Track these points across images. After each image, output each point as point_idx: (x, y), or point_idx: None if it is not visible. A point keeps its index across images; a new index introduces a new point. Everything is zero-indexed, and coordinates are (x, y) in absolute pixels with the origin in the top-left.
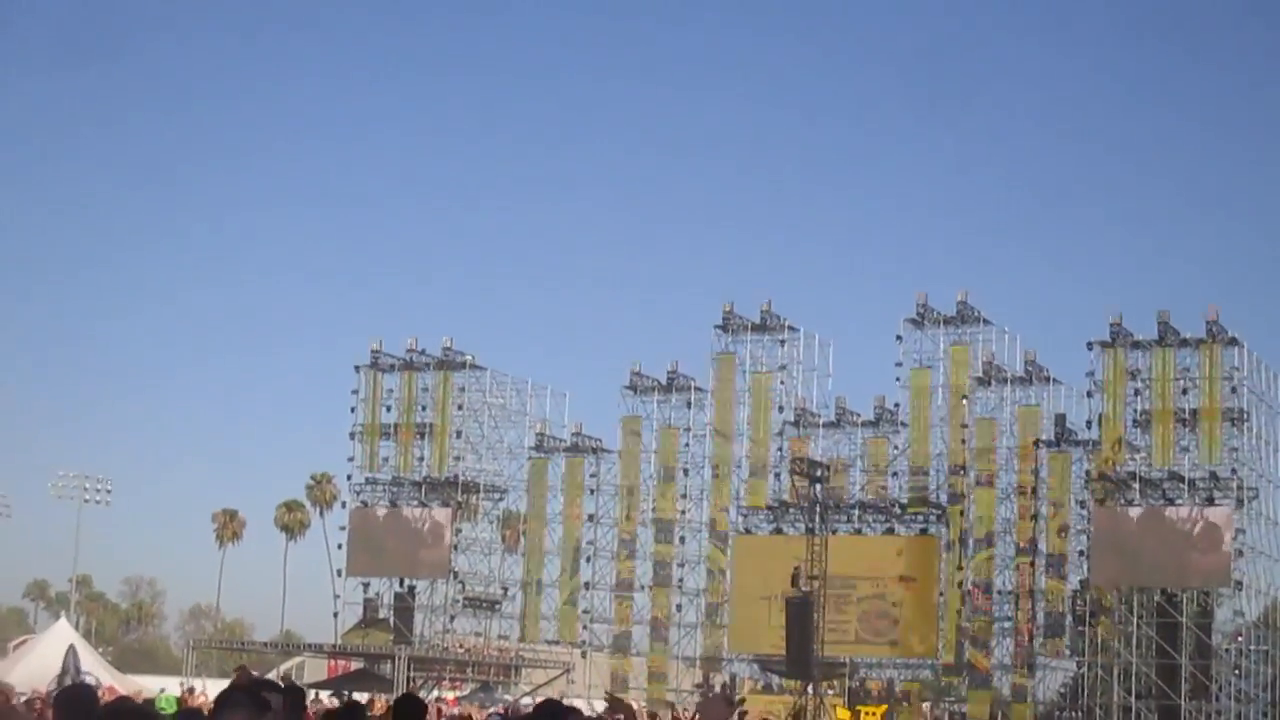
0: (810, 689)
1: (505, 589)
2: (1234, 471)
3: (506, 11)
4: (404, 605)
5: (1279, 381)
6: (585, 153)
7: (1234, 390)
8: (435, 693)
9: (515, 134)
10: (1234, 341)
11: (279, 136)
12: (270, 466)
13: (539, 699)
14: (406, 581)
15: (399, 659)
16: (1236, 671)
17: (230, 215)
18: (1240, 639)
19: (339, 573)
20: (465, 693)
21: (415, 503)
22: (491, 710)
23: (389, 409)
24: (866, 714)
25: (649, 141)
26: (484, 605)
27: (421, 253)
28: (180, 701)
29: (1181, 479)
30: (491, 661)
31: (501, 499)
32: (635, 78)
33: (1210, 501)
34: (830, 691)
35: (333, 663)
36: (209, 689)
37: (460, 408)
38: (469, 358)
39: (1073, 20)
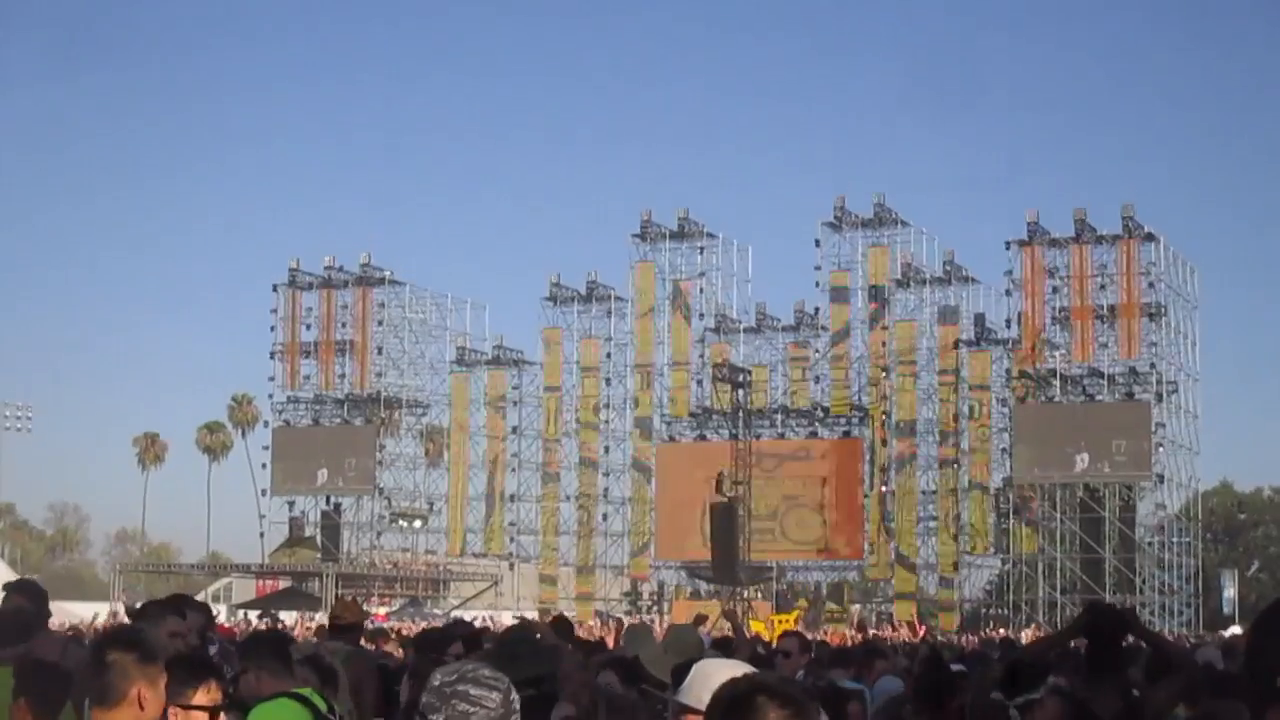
0: (737, 593)
1: (430, 504)
2: (1153, 366)
3: None
4: (330, 522)
5: (1196, 276)
6: (500, 65)
7: (1151, 285)
8: (365, 608)
9: (430, 49)
10: (1150, 237)
11: (193, 48)
12: (190, 388)
13: (483, 612)
14: (331, 499)
15: (327, 576)
16: (1160, 564)
17: (148, 128)
18: (1162, 532)
19: (264, 492)
20: (394, 608)
21: (338, 420)
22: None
23: (309, 327)
24: (780, 622)
25: (564, 56)
26: (410, 520)
27: (337, 169)
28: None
29: (1101, 375)
30: (419, 576)
31: (424, 414)
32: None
33: (1130, 396)
34: (759, 595)
35: (261, 582)
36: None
37: (380, 323)
38: (387, 273)
39: None
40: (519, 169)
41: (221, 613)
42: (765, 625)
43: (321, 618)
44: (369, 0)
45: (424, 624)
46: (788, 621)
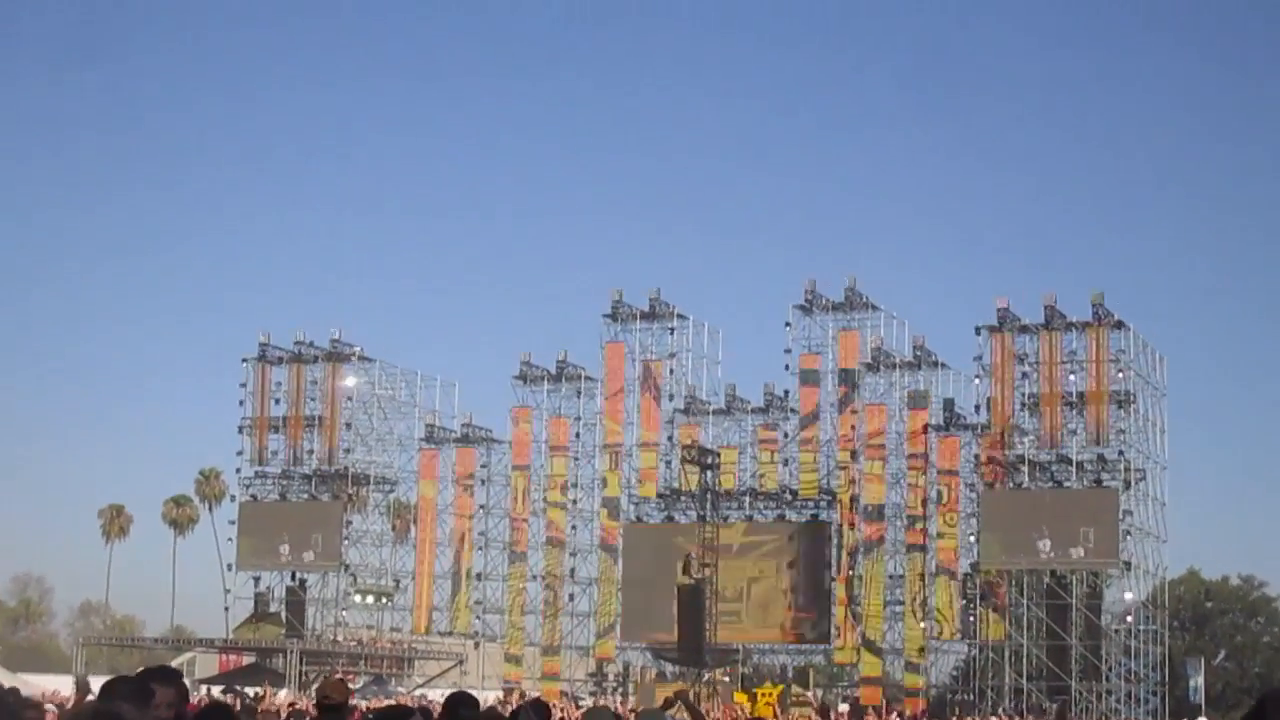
0: (704, 676)
1: (397, 581)
2: (1121, 453)
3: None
4: (295, 598)
5: (1164, 364)
6: (472, 143)
7: (1120, 373)
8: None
9: (402, 126)
10: (1120, 324)
11: (160, 124)
12: (157, 461)
13: (448, 690)
14: (297, 575)
15: (291, 652)
16: (1126, 651)
17: (117, 202)
18: (1129, 619)
19: (229, 567)
20: (359, 685)
21: (305, 495)
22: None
23: (278, 402)
24: (762, 695)
25: (536, 131)
26: (375, 597)
27: (309, 244)
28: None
29: (1069, 461)
30: (384, 654)
31: (392, 490)
32: (520, 72)
33: (1098, 483)
34: (727, 679)
35: (224, 657)
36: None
37: (349, 399)
38: (357, 349)
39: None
40: (491, 247)
41: None
42: (747, 696)
43: (285, 695)
44: (342, 77)
45: (388, 703)
46: (771, 695)
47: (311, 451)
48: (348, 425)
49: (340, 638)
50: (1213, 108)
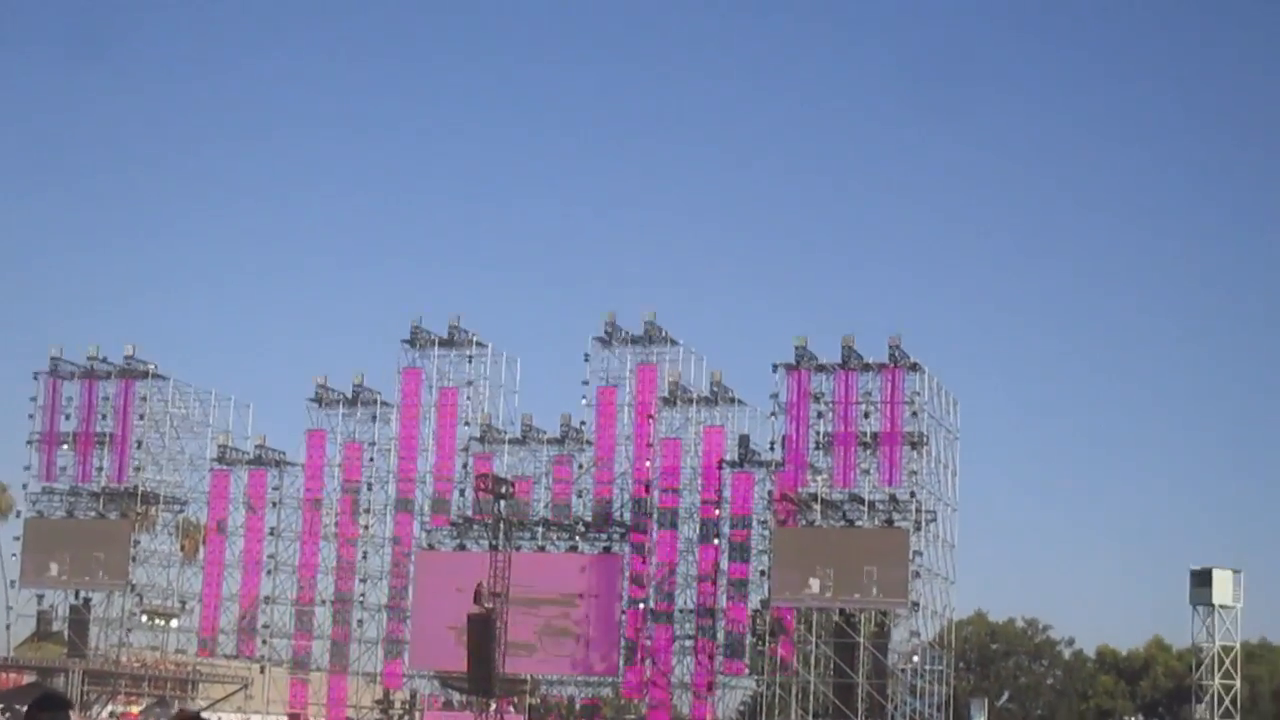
0: (492, 706)
1: (184, 602)
2: (913, 494)
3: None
4: (79, 618)
5: (958, 407)
6: (268, 158)
7: (914, 414)
8: (110, 707)
9: (199, 140)
10: (915, 367)
11: None
12: None
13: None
14: (82, 593)
15: (73, 672)
16: (912, 691)
17: None
18: (916, 659)
19: (12, 584)
20: (142, 707)
21: (93, 513)
22: None
23: (68, 417)
24: None
25: (341, 155)
26: (161, 618)
27: (101, 259)
28: None
29: (862, 501)
30: (168, 676)
31: (181, 510)
32: (325, 92)
33: (889, 523)
34: (511, 709)
35: (4, 676)
36: None
37: (142, 417)
38: (151, 367)
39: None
40: (291, 269)
41: None
42: None
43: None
44: (144, 100)
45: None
46: None
47: (101, 469)
48: (139, 443)
49: (124, 658)
50: (1005, 154)
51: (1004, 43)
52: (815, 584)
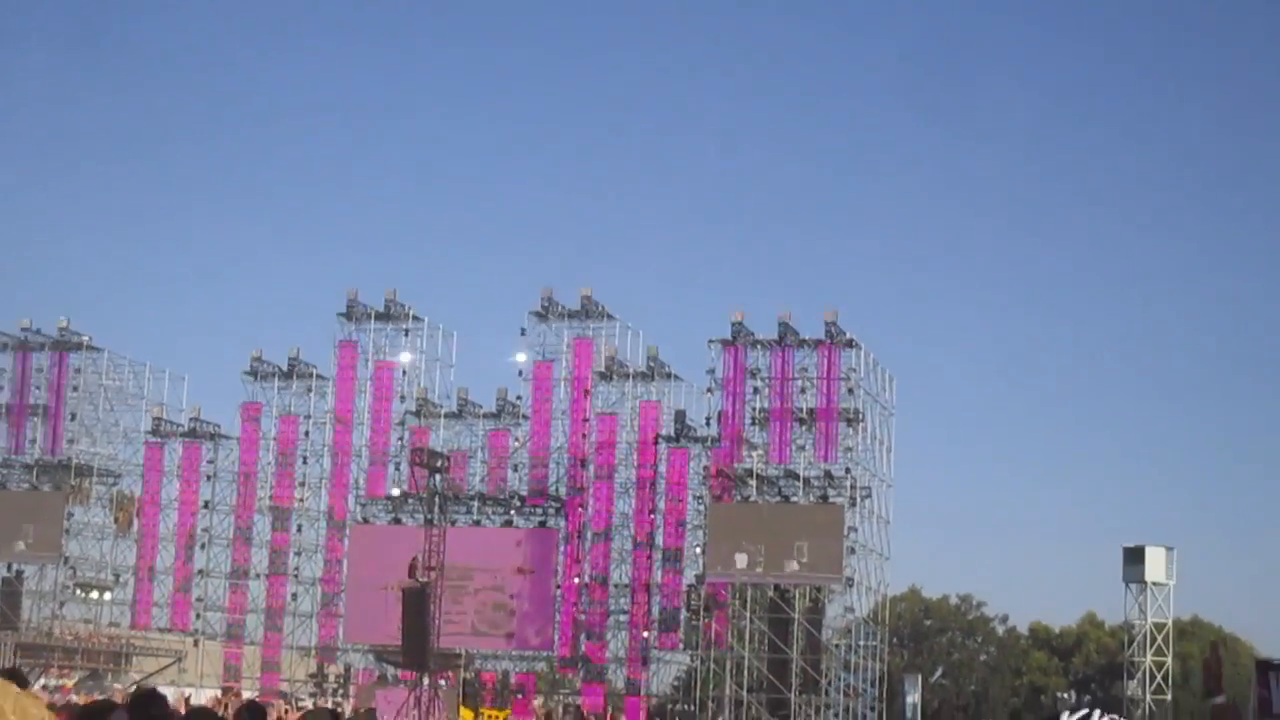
0: (425, 680)
1: (117, 575)
2: (848, 470)
3: None
4: (11, 590)
5: (894, 384)
6: (209, 134)
7: (850, 391)
8: (43, 680)
9: (130, 110)
10: (851, 343)
11: None
12: None
13: (161, 688)
14: (14, 566)
15: (4, 646)
16: (846, 667)
17: None
18: (850, 634)
19: None
20: (74, 680)
21: (25, 485)
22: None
23: (1, 389)
24: (489, 717)
25: (280, 124)
26: (95, 591)
27: (34, 228)
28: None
29: (797, 477)
30: (101, 649)
31: (115, 483)
32: (263, 60)
33: (824, 499)
34: (443, 683)
35: None
36: None
37: (75, 389)
38: (85, 338)
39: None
40: (225, 239)
41: None
42: (473, 715)
43: None
44: (69, 74)
45: (101, 698)
46: (499, 718)
47: (34, 441)
48: (72, 416)
49: (57, 631)
50: (941, 129)
51: (950, 20)
52: (743, 559)
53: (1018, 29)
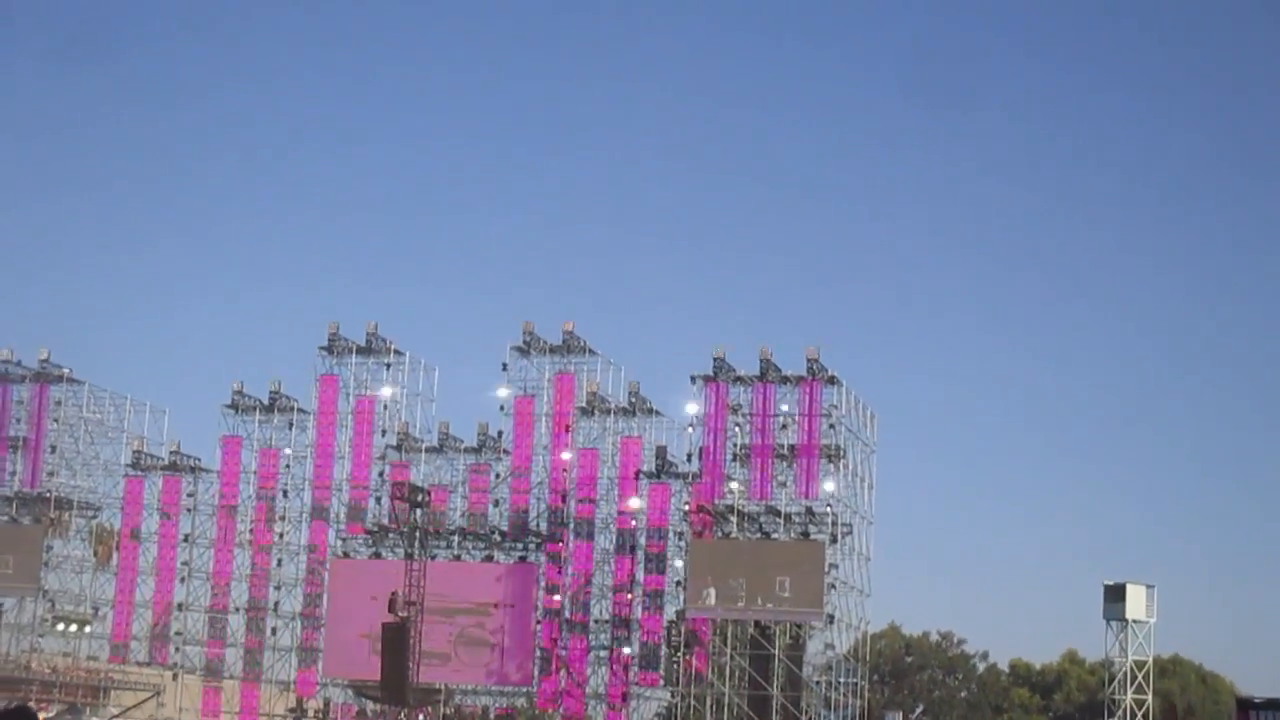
0: (404, 715)
1: (96, 608)
2: (829, 507)
3: None
4: None
5: (875, 420)
6: (184, 164)
7: (832, 428)
8: None
9: (106, 137)
10: (833, 380)
11: None
12: None
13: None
14: None
15: None
16: (826, 704)
17: None
18: (830, 671)
19: None
20: (52, 714)
21: (5, 518)
22: None
23: None
24: None
25: (259, 156)
26: (73, 624)
27: (14, 261)
28: None
29: (778, 513)
30: (80, 682)
31: (95, 516)
32: (242, 88)
33: (806, 536)
34: (421, 718)
35: None
36: None
37: (56, 421)
38: (66, 371)
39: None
40: (207, 273)
41: None
42: None
43: None
44: (43, 101)
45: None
46: None
47: (14, 473)
48: (52, 448)
49: (35, 664)
50: (923, 165)
51: (929, 53)
52: (724, 595)
53: (998, 64)
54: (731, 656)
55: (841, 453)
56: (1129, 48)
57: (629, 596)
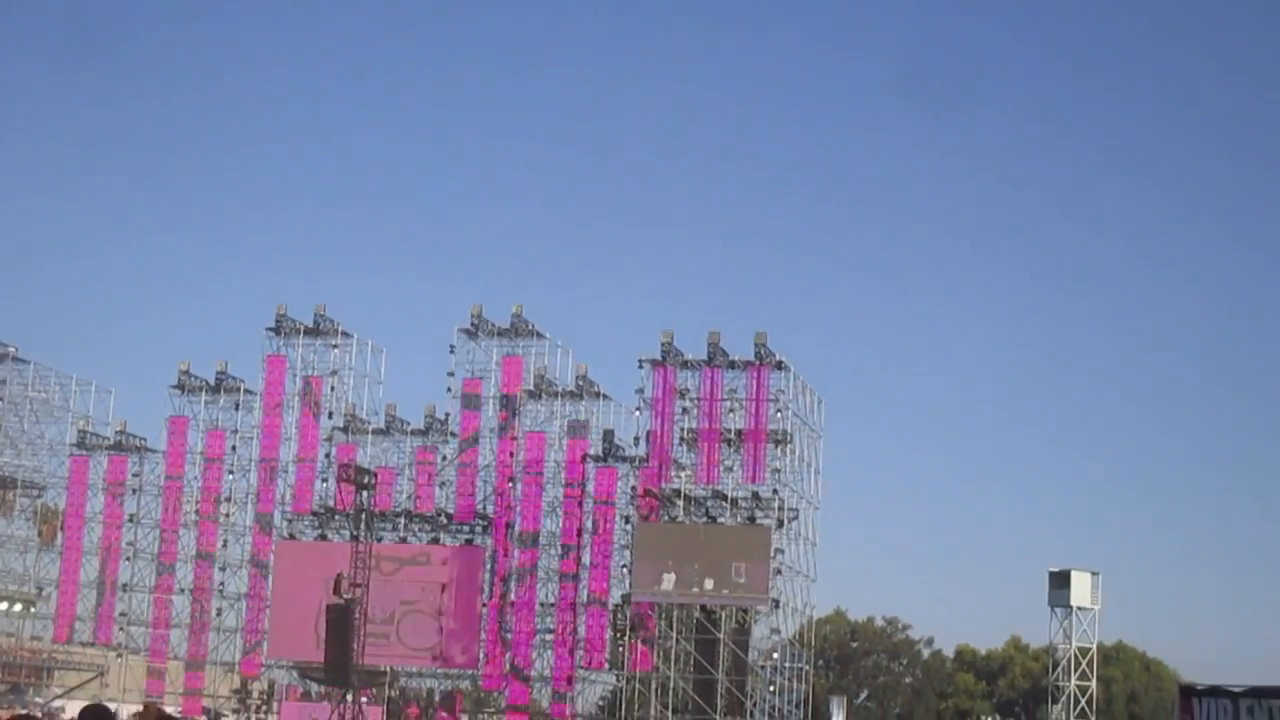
0: (349, 697)
1: (40, 588)
2: (775, 492)
3: None
4: None
5: (822, 406)
6: (136, 146)
7: (779, 412)
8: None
9: (60, 120)
10: (781, 365)
11: None
12: None
13: (84, 703)
14: None
15: None
16: (772, 688)
17: None
18: (776, 656)
19: None
20: None
21: None
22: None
23: None
24: None
25: (209, 138)
26: (16, 604)
27: None
28: None
29: (725, 497)
30: (23, 663)
31: (39, 495)
32: (204, 70)
33: (752, 520)
34: (365, 700)
35: None
36: None
37: (1, 400)
38: (11, 349)
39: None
40: (153, 252)
41: None
42: None
43: None
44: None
45: (22, 712)
46: None
47: None
48: None
49: None
50: (872, 151)
51: (908, 47)
52: (669, 579)
53: (990, 58)
54: (676, 641)
55: (788, 438)
56: (1129, 47)
57: (575, 581)
